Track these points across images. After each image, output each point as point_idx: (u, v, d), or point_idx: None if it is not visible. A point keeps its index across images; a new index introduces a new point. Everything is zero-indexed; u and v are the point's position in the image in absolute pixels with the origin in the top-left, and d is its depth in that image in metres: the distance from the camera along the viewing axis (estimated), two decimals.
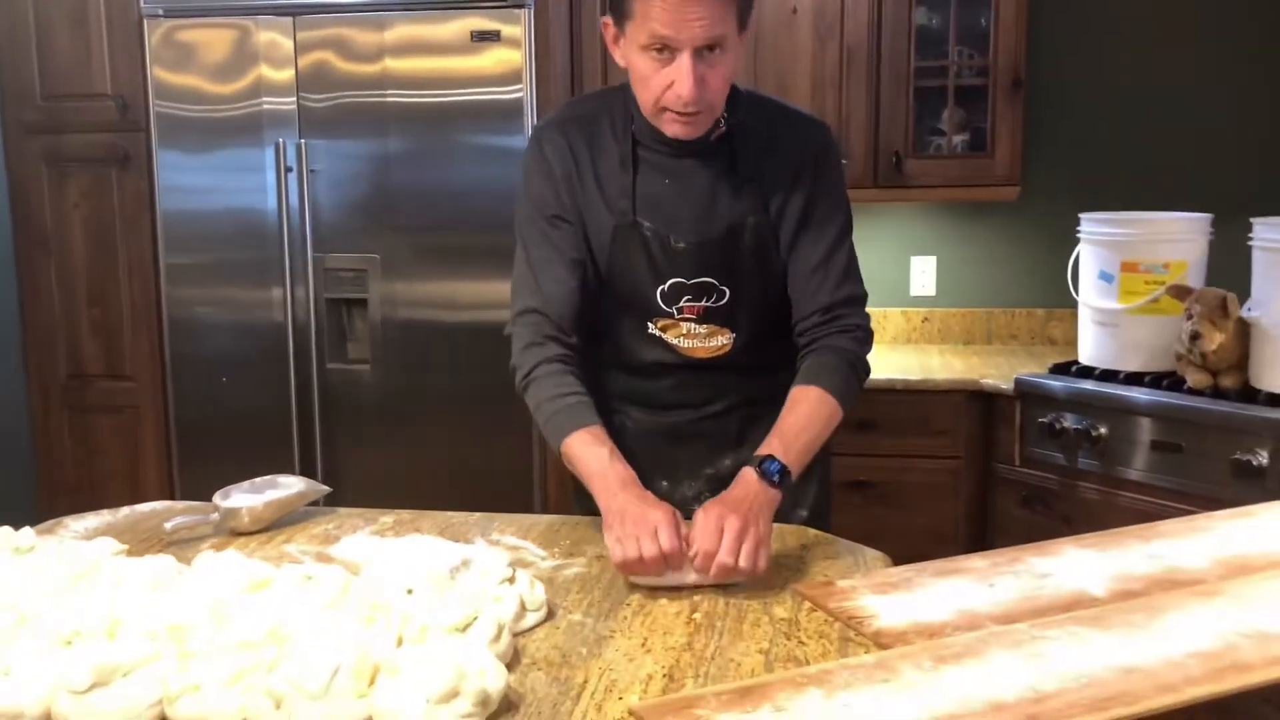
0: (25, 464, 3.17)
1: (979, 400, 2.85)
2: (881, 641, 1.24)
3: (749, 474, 1.51)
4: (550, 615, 1.33)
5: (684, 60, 1.51)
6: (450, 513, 1.73)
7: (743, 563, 1.39)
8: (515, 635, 1.26)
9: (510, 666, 1.19)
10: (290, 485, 1.71)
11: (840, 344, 1.69)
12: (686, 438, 1.77)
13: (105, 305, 3.11)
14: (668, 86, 1.54)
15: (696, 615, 1.33)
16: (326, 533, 1.64)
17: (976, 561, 1.47)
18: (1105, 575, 1.40)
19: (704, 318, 1.71)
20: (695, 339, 1.72)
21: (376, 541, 1.58)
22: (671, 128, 1.60)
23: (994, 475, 2.85)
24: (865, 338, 1.73)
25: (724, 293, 1.69)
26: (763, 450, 1.54)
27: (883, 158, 3.05)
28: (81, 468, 3.14)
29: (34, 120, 3.08)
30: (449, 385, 2.93)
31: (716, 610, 1.34)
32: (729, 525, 1.40)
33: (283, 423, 2.99)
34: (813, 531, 1.64)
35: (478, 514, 1.72)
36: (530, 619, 1.30)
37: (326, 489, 1.73)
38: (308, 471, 2.98)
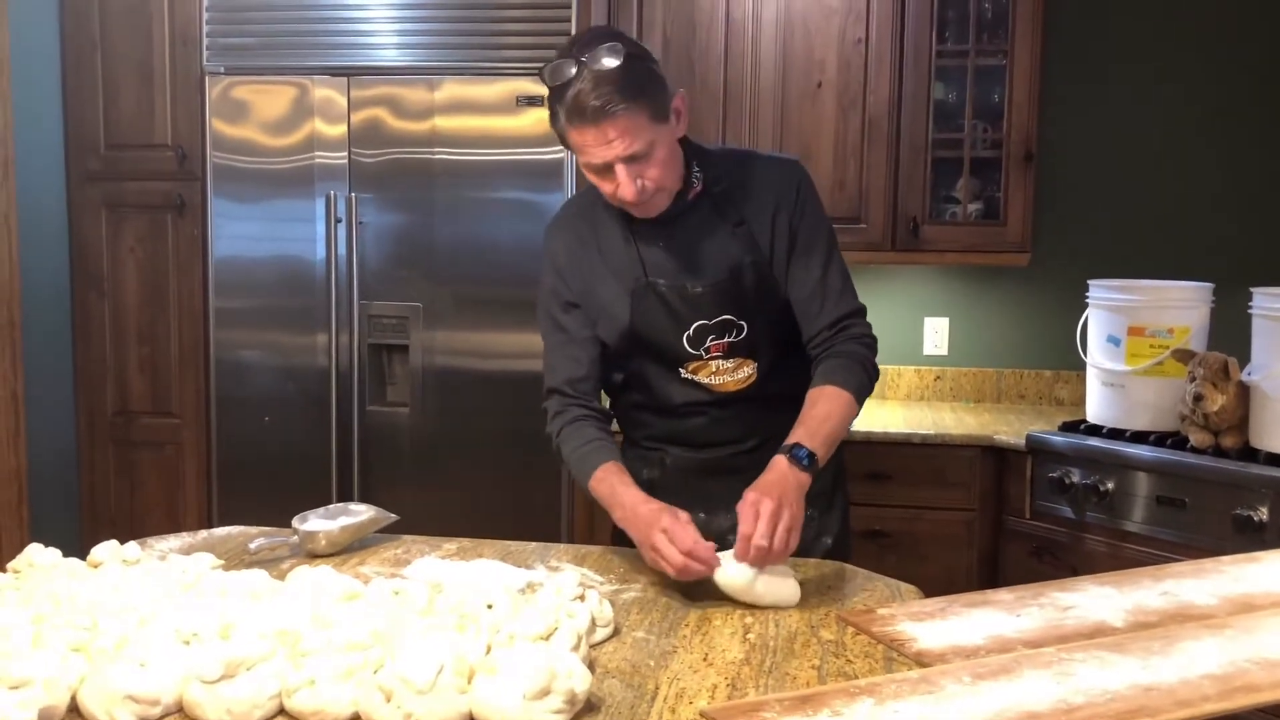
0: (70, 494, 3.28)
1: (991, 455, 2.98)
2: (923, 661, 1.36)
3: (780, 460, 1.67)
4: (617, 632, 1.45)
5: (619, 172, 1.70)
6: (509, 541, 1.86)
7: (776, 544, 1.55)
8: (589, 647, 1.38)
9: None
10: (361, 512, 1.83)
11: (850, 348, 1.85)
12: (722, 472, 1.90)
13: (155, 345, 3.24)
14: (614, 189, 1.74)
15: (750, 636, 1.45)
16: (396, 556, 1.76)
17: (1003, 595, 1.60)
18: (1123, 609, 1.53)
19: (729, 352, 1.87)
20: (724, 374, 1.87)
21: (446, 564, 1.70)
22: (634, 212, 1.81)
23: (1005, 527, 2.97)
24: (871, 342, 1.89)
25: (742, 327, 1.85)
26: (790, 439, 1.70)
27: (900, 223, 3.21)
28: (123, 500, 3.25)
29: (96, 168, 3.24)
30: (484, 429, 3.05)
31: (768, 632, 1.46)
32: (764, 509, 1.57)
33: (322, 462, 3.11)
34: (849, 566, 1.76)
35: (535, 543, 1.84)
36: (600, 633, 1.42)
37: (395, 516, 1.85)
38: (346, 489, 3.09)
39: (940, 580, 2.95)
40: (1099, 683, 1.26)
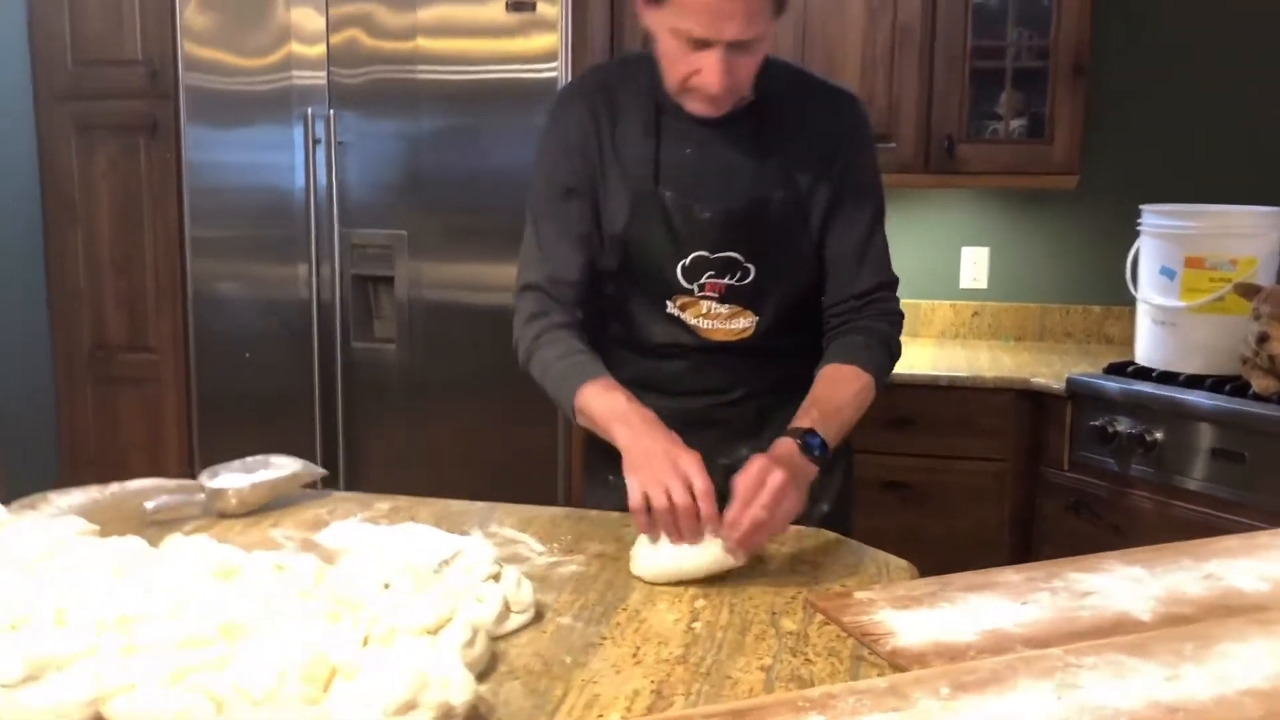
0: (49, 434, 3.14)
1: (1027, 400, 2.70)
2: (897, 662, 1.12)
3: (788, 445, 1.43)
4: (538, 617, 1.22)
5: (715, 54, 1.44)
6: (451, 501, 1.64)
7: (772, 527, 1.33)
8: (497, 638, 1.16)
9: (485, 674, 1.09)
10: (284, 467, 1.63)
11: (877, 326, 1.62)
12: (700, 425, 1.65)
13: (130, 277, 3.06)
14: (695, 72, 1.47)
15: (696, 625, 1.22)
16: (317, 518, 1.55)
17: (1010, 576, 1.35)
18: (1153, 596, 1.27)
19: (726, 296, 1.61)
20: (716, 319, 1.62)
21: (366, 529, 1.49)
22: (694, 106, 1.53)
23: (1041, 480, 2.70)
24: (899, 320, 1.66)
25: (748, 270, 1.59)
26: (800, 422, 1.46)
27: (934, 142, 2.90)
28: (104, 439, 3.10)
29: (64, 86, 3.03)
30: (475, 368, 2.83)
31: (719, 620, 1.23)
32: (773, 478, 1.33)
33: (305, 400, 2.92)
34: (834, 535, 1.52)
35: (480, 503, 1.62)
36: (514, 621, 1.20)
37: (323, 471, 1.64)
38: (329, 450, 2.91)
39: (969, 537, 2.70)
40: (1110, 699, 1.01)
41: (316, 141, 2.83)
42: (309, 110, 2.83)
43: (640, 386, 1.68)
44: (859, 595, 1.28)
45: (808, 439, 1.43)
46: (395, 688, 0.95)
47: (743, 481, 1.34)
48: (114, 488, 1.66)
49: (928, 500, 2.74)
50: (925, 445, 2.73)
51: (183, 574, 1.19)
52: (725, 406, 1.67)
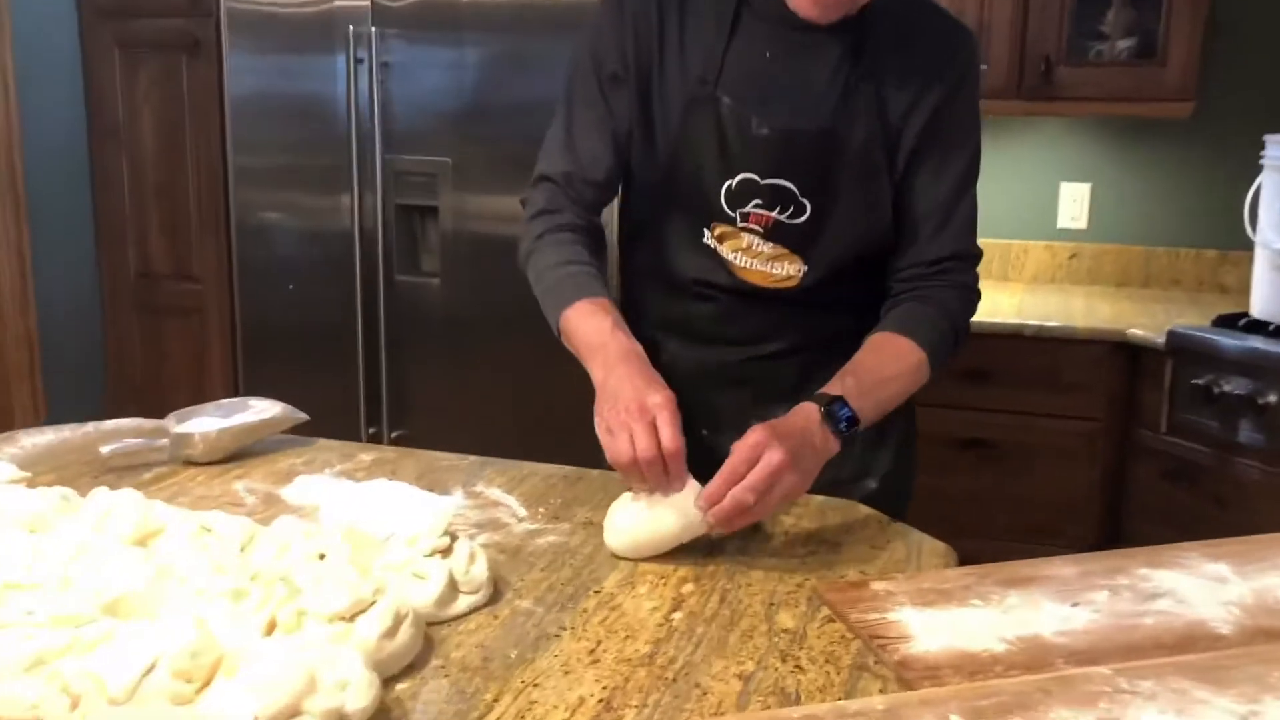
0: (95, 363, 3.09)
1: (1124, 354, 2.43)
2: (905, 676, 0.93)
3: (809, 411, 1.21)
4: (494, 598, 1.06)
5: None
6: (440, 454, 1.48)
7: (757, 511, 1.13)
8: (439, 623, 1.00)
9: (414, 667, 0.93)
10: (261, 411, 1.48)
11: (945, 298, 1.38)
12: (732, 381, 1.47)
13: (173, 203, 2.97)
14: None
15: (676, 616, 1.03)
16: (291, 468, 1.41)
17: (1063, 569, 1.13)
18: (1237, 603, 1.05)
19: (772, 234, 1.39)
20: (756, 259, 1.41)
21: (336, 485, 1.34)
22: (801, 4, 1.31)
23: (1135, 443, 2.44)
24: (973, 301, 1.42)
25: (803, 207, 1.37)
26: (831, 388, 1.25)
27: (1030, 64, 2.61)
28: (150, 370, 3.03)
29: (107, 3, 2.93)
30: (519, 304, 2.66)
31: (704, 611, 1.04)
32: (769, 457, 1.12)
33: (349, 335, 2.80)
34: (866, 510, 1.31)
35: (471, 458, 1.46)
36: (462, 603, 1.03)
37: (303, 416, 1.49)
38: (372, 386, 2.79)
39: (1053, 503, 2.47)
40: None
41: (359, 61, 2.67)
42: (351, 29, 2.67)
43: (665, 329, 1.49)
44: (876, 586, 1.08)
45: (835, 408, 1.22)
46: (277, 689, 0.80)
47: (735, 452, 1.14)
48: (88, 428, 1.54)
49: (1008, 460, 2.50)
50: (1008, 400, 2.49)
51: (97, 535, 1.05)
52: (761, 361, 1.47)
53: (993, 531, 2.51)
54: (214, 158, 2.89)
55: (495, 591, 1.07)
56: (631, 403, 1.16)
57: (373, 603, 0.93)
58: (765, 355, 1.47)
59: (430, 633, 0.99)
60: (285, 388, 2.95)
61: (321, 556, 1.05)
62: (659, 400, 1.16)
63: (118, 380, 3.08)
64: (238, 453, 1.44)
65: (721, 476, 1.13)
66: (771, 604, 1.06)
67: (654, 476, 1.14)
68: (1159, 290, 2.89)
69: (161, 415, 1.46)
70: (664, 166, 1.41)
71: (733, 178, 1.38)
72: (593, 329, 1.29)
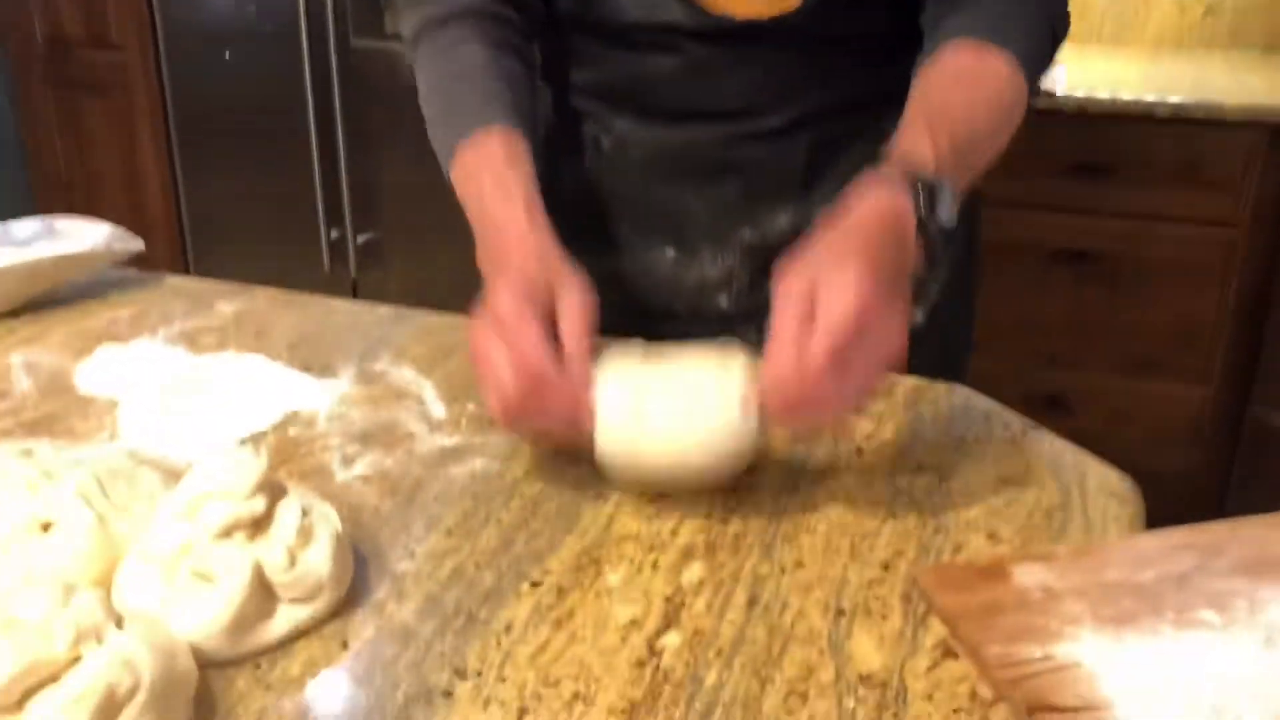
0: (14, 156, 2.60)
1: None
2: None
3: (878, 191, 0.71)
4: (348, 602, 0.60)
5: None
6: (337, 303, 1.00)
7: (849, 394, 0.66)
8: (233, 662, 0.55)
9: None
10: (73, 239, 1.00)
11: None
12: (708, 173, 0.94)
13: None
14: None
15: (667, 641, 0.57)
16: (107, 327, 0.94)
17: None
18: None
19: None
20: None
21: (158, 361, 0.87)
22: None
23: None
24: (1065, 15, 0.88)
25: None
26: (904, 143, 0.74)
27: None
28: (72, 160, 2.54)
29: None
30: None
31: (718, 631, 0.58)
32: (833, 313, 0.63)
33: (298, 113, 2.28)
34: (962, 390, 0.84)
35: (384, 309, 0.98)
36: (281, 622, 0.58)
37: (136, 246, 1.01)
38: (330, 177, 2.29)
39: (1174, 332, 1.98)
40: None
41: None
42: None
43: (611, 101, 0.96)
44: (1024, 578, 0.62)
45: (928, 183, 0.71)
46: None
47: (777, 320, 0.65)
48: None
49: (1118, 278, 1.98)
50: (1122, 201, 1.95)
51: None
52: (752, 142, 0.93)
53: (1086, 364, 2.03)
54: None
55: (352, 588, 0.61)
56: (501, 291, 0.69)
57: (71, 664, 0.48)
58: (758, 133, 0.92)
59: (213, 685, 0.54)
60: (230, 180, 2.49)
61: (45, 528, 0.60)
62: (525, 285, 0.70)
63: (41, 176, 2.59)
64: (35, 300, 0.97)
65: (770, 377, 0.64)
66: (839, 611, 0.60)
67: (518, 420, 0.68)
68: None
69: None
70: None
71: None
72: (476, 186, 0.82)
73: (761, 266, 0.76)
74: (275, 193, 2.36)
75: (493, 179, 0.80)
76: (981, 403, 0.83)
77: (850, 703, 0.53)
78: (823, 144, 0.91)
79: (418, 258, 2.30)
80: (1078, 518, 0.69)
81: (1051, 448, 0.77)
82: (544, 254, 0.74)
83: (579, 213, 0.91)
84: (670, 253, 0.95)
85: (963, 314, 1.05)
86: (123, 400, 0.81)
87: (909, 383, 0.84)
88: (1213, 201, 1.91)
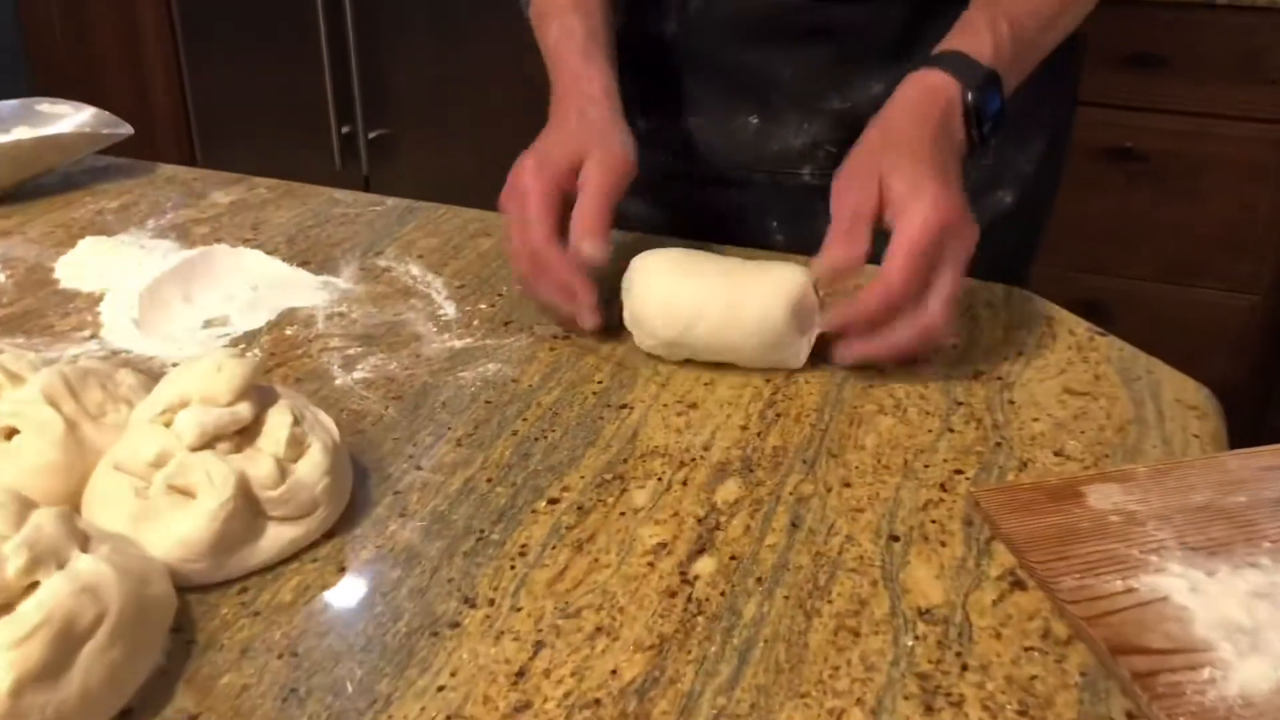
0: (11, 40, 2.49)
1: None
2: None
3: (953, 89, 0.68)
4: (345, 520, 0.54)
5: None
6: (344, 193, 0.93)
7: (934, 314, 0.62)
8: (215, 587, 0.49)
9: (130, 713, 0.43)
10: (54, 122, 0.93)
11: None
12: (800, 36, 0.85)
13: None
14: None
15: (700, 567, 0.51)
16: (94, 217, 0.87)
17: None
18: None
19: None
20: None
21: (146, 253, 0.81)
22: None
23: None
24: None
25: None
26: (974, 45, 0.71)
27: None
28: (72, 45, 2.43)
29: None
30: None
31: (755, 556, 0.52)
32: (911, 232, 0.62)
33: (306, 3, 2.16)
34: (1022, 292, 0.77)
35: (391, 201, 0.91)
36: (269, 543, 0.52)
37: (125, 130, 0.94)
38: (340, 68, 2.19)
39: (1220, 236, 1.88)
40: None
41: None
42: None
43: None
44: (1098, 499, 0.55)
45: (986, 95, 0.68)
46: None
47: (842, 204, 0.64)
48: None
49: (1168, 178, 1.88)
50: (1177, 96, 1.83)
51: None
52: (846, 2, 0.84)
53: (1129, 268, 1.94)
54: None
55: (350, 505, 0.55)
56: (521, 167, 0.69)
57: (27, 592, 0.42)
58: None
59: (193, 612, 0.48)
60: (237, 70, 2.39)
61: (9, 436, 0.54)
62: (560, 149, 0.70)
63: (40, 62, 2.49)
64: (15, 189, 0.90)
65: (835, 238, 0.62)
66: (892, 537, 0.54)
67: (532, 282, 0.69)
68: None
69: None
70: None
71: None
72: (554, 40, 0.79)
73: (849, 137, 0.69)
74: (283, 85, 2.27)
75: (560, 26, 0.78)
76: (1043, 306, 0.75)
77: (908, 640, 0.47)
78: (920, 7, 0.83)
79: (432, 154, 2.21)
80: (1153, 433, 0.62)
81: (1121, 355, 0.70)
82: (585, 109, 0.72)
83: (659, 74, 0.88)
84: (753, 120, 0.87)
85: (1048, 194, 0.97)
86: (106, 296, 0.74)
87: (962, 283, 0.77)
88: (1272, 98, 1.79)
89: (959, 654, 0.47)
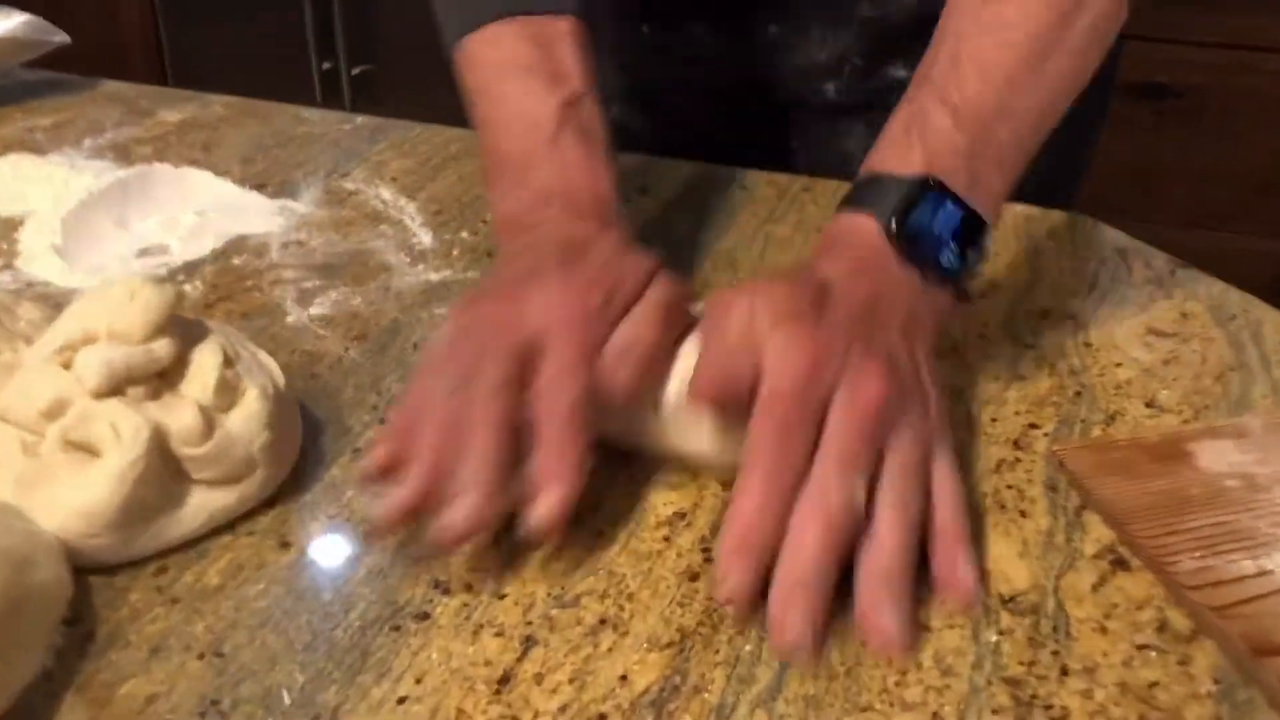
0: None
1: None
2: None
3: (854, 231, 0.48)
4: (290, 486, 0.44)
5: None
6: (311, 111, 0.82)
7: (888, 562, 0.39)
8: (128, 565, 0.39)
9: None
10: None
11: None
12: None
13: None
14: None
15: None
16: (28, 134, 0.77)
17: None
18: None
19: None
20: None
21: (79, 173, 0.70)
22: None
23: None
24: None
25: None
26: (874, 160, 0.49)
27: None
28: None
29: None
30: None
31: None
32: (864, 403, 0.40)
33: None
34: (1087, 220, 0.67)
35: (360, 119, 0.80)
36: (195, 510, 0.42)
37: (59, 38, 0.83)
38: (323, 11, 2.06)
39: (1254, 178, 1.77)
40: None
41: None
42: None
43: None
44: (1205, 454, 0.45)
45: (913, 209, 0.47)
46: None
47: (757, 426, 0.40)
48: None
49: (1202, 116, 1.77)
50: (1211, 29, 1.72)
51: None
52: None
53: (1160, 213, 1.84)
54: None
55: (298, 465, 0.45)
56: (552, 265, 0.46)
57: None
58: None
59: (95, 599, 0.38)
60: (216, 12, 2.27)
61: None
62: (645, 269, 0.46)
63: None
64: None
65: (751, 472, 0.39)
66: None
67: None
68: None
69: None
70: None
71: None
72: (499, 87, 0.58)
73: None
74: (261, 18, 2.14)
75: (531, 81, 0.56)
76: (1114, 236, 0.65)
77: (990, 635, 0.38)
78: None
79: (418, 92, 2.08)
80: (1260, 380, 0.52)
81: (1210, 291, 0.60)
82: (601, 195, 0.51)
83: None
84: (773, 30, 0.75)
85: (1076, 159, 0.86)
86: (27, 221, 0.64)
87: (1017, 209, 0.67)
88: None
89: (1056, 653, 0.37)
